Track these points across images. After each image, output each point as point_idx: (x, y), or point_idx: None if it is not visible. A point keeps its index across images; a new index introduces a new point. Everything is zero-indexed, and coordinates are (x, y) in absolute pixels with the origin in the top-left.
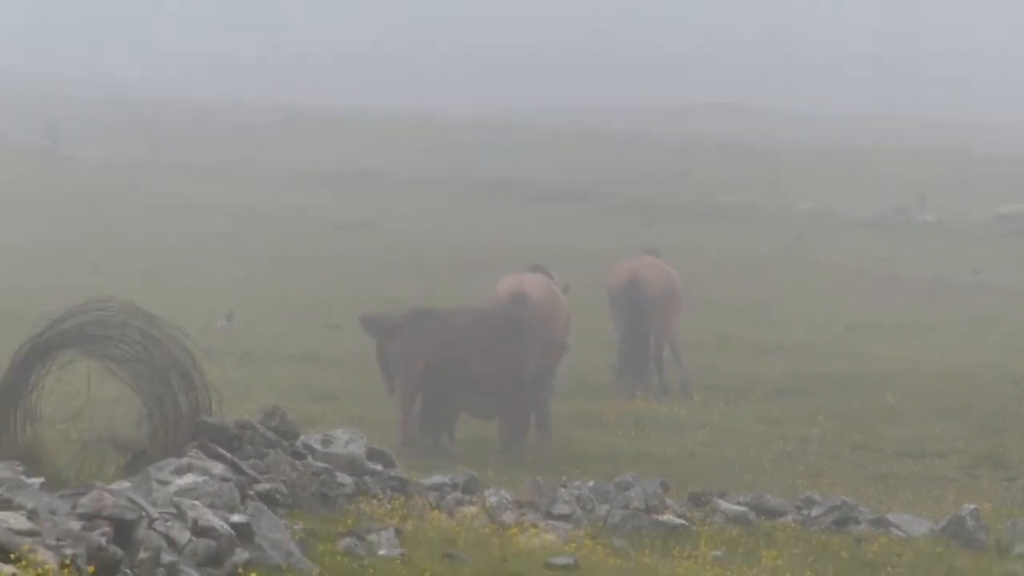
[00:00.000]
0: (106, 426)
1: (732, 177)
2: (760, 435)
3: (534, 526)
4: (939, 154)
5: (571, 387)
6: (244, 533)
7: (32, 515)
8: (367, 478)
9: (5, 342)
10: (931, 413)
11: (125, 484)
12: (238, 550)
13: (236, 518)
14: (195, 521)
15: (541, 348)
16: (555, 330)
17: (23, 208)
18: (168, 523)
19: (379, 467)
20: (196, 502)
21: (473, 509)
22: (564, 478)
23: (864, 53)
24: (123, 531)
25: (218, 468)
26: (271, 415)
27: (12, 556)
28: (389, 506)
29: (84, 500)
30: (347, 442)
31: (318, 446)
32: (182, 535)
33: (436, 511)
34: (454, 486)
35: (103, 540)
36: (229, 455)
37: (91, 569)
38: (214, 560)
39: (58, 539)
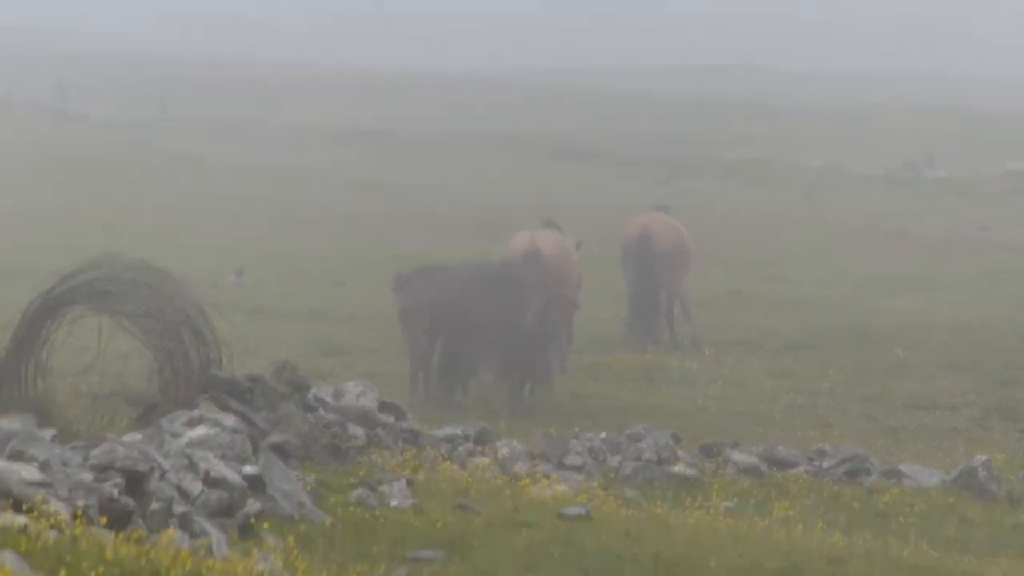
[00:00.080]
0: (117, 380)
1: (742, 135)
2: (771, 389)
3: (546, 477)
4: (948, 110)
5: (583, 342)
6: (256, 484)
7: (44, 467)
8: (379, 430)
9: (16, 298)
10: (941, 367)
11: (137, 436)
12: (250, 501)
13: (248, 469)
14: (207, 472)
15: (543, 303)
16: (567, 286)
17: (33, 167)
18: (180, 474)
19: (391, 419)
20: (208, 453)
21: (485, 460)
22: (576, 430)
23: (871, 9)
24: (135, 482)
25: (230, 420)
26: (282, 369)
27: (24, 507)
28: (401, 458)
29: (96, 452)
30: (359, 395)
31: (329, 399)
32: (194, 486)
33: (448, 462)
34: (466, 438)
35: (115, 491)
36: (240, 407)
37: (103, 520)
38: (226, 511)
39: (70, 490)
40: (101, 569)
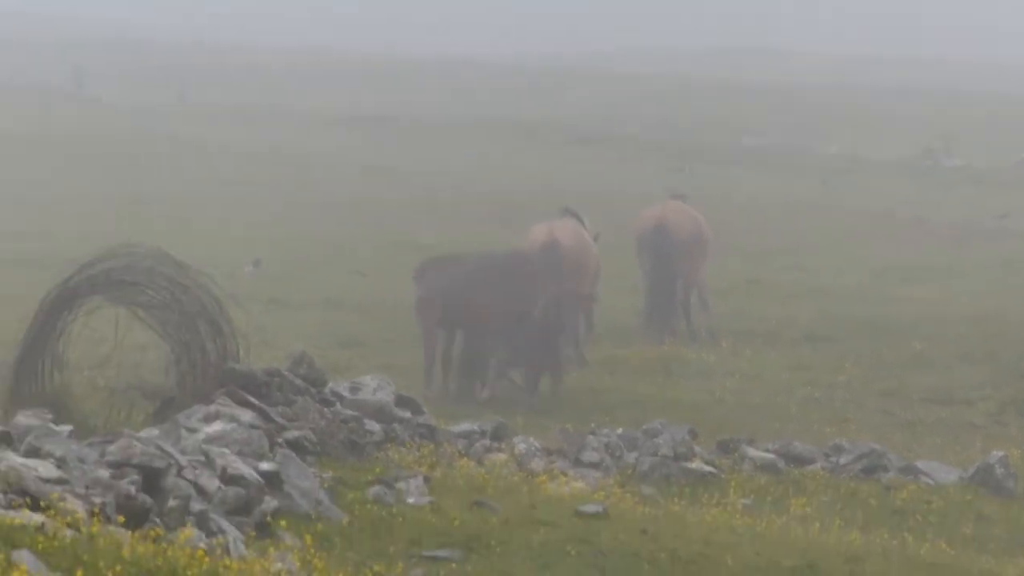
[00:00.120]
0: (134, 373)
1: (759, 121)
2: (788, 381)
3: (563, 474)
4: (966, 97)
5: (599, 333)
6: (273, 481)
7: (61, 463)
8: (396, 425)
9: (32, 287)
10: (958, 359)
11: (153, 432)
12: (267, 498)
13: (265, 466)
14: (224, 469)
15: (553, 296)
16: (585, 277)
17: (48, 151)
18: (197, 471)
19: (408, 414)
20: (225, 450)
21: (502, 457)
22: (593, 425)
23: None
24: (152, 479)
25: (246, 415)
26: (299, 362)
27: (41, 504)
28: (418, 453)
29: (112, 448)
30: (375, 389)
31: (346, 393)
32: (211, 483)
33: (465, 458)
34: (483, 433)
35: (132, 488)
36: (257, 402)
37: (120, 518)
38: (243, 508)
39: (87, 487)
40: (118, 568)
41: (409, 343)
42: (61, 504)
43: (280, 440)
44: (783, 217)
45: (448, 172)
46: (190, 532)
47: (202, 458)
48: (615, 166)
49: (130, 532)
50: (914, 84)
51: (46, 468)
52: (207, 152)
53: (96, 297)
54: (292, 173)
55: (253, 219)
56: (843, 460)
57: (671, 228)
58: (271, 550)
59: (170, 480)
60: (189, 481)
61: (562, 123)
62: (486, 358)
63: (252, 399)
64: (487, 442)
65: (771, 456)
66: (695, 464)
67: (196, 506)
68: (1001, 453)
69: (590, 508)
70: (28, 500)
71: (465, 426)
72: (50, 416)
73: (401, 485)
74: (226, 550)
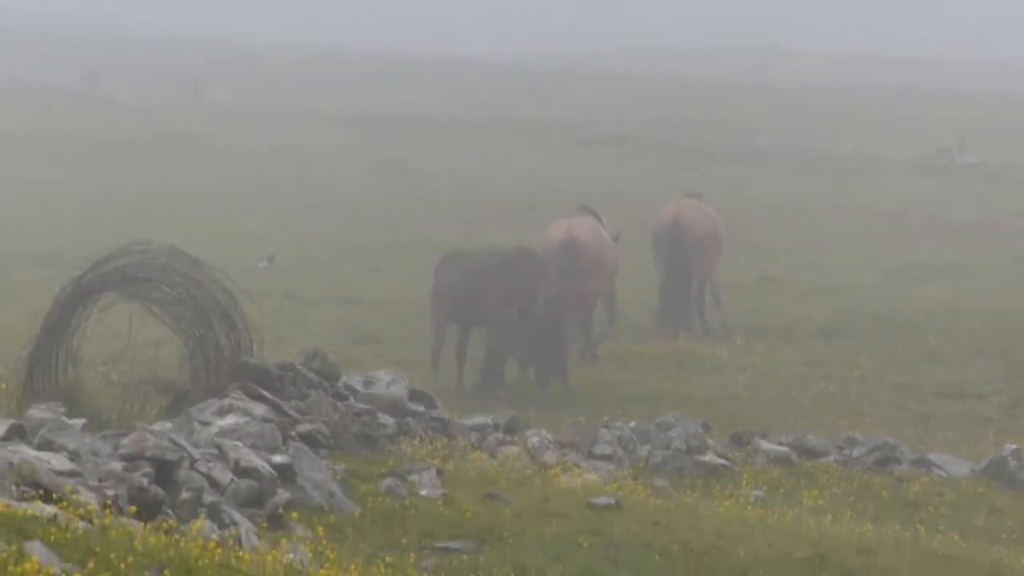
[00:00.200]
0: (147, 368)
1: (768, 121)
2: (801, 376)
3: (576, 466)
4: (980, 96)
5: (614, 327)
6: (286, 474)
7: (74, 456)
8: (409, 419)
9: (45, 284)
10: (971, 355)
11: (167, 425)
12: (280, 491)
13: (278, 459)
14: (237, 462)
15: (563, 292)
16: (603, 273)
17: (63, 151)
18: (210, 464)
19: (421, 408)
20: (238, 443)
21: (515, 449)
22: (605, 419)
23: None
24: (165, 472)
25: (260, 409)
26: (312, 357)
27: (55, 497)
28: (431, 447)
29: (126, 441)
30: (389, 383)
31: (360, 387)
32: (224, 476)
33: (478, 451)
34: (496, 427)
35: (145, 481)
36: (271, 396)
37: (133, 510)
38: (256, 501)
39: (100, 480)
40: (130, 560)
41: (422, 339)
42: (74, 496)
43: (293, 433)
44: (797, 216)
45: (453, 172)
46: (202, 524)
47: (215, 451)
48: (619, 166)
49: (142, 524)
50: (921, 84)
51: (59, 461)
52: (217, 150)
53: (110, 293)
54: (301, 172)
55: (265, 216)
56: (856, 453)
57: (686, 225)
58: (283, 542)
59: (183, 472)
60: (202, 474)
61: (565, 123)
62: (505, 358)
63: (265, 393)
64: (500, 435)
65: (784, 449)
66: (708, 457)
67: (209, 498)
68: (1014, 446)
69: (602, 500)
70: (41, 492)
71: (478, 419)
72: (63, 410)
73: (414, 478)
74: (238, 542)
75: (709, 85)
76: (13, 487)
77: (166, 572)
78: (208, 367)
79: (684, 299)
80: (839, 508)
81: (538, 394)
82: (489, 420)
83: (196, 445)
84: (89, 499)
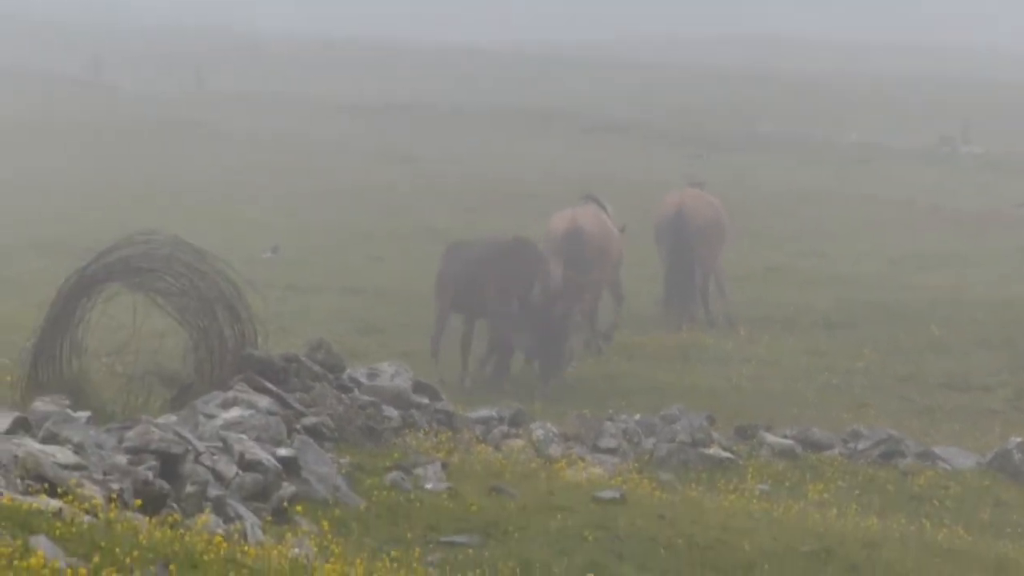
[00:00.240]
0: (152, 359)
1: (776, 108)
2: (806, 367)
3: (581, 459)
4: (984, 85)
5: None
6: (291, 467)
7: (79, 449)
8: (413, 411)
9: (48, 274)
10: (975, 345)
11: (171, 418)
12: (284, 484)
13: (283, 452)
14: (242, 455)
15: (554, 284)
16: (608, 262)
17: (66, 140)
18: (215, 457)
19: (425, 400)
20: (242, 436)
21: (520, 442)
22: (610, 411)
23: None
24: (169, 465)
25: (264, 401)
26: (317, 348)
27: (59, 490)
28: (436, 439)
29: (130, 434)
30: (393, 375)
31: (364, 379)
32: (229, 469)
33: (483, 444)
34: (501, 419)
35: (149, 474)
36: (275, 388)
37: (138, 503)
38: (261, 494)
39: (105, 473)
40: (135, 554)
41: (426, 329)
42: (79, 490)
43: (298, 426)
44: (801, 205)
45: (457, 160)
46: (207, 518)
47: (220, 444)
48: (622, 154)
49: (147, 518)
50: (925, 73)
51: (64, 454)
52: (220, 139)
53: (114, 284)
54: (304, 160)
55: (268, 204)
56: (861, 446)
57: (689, 214)
58: (288, 535)
59: (188, 466)
60: (207, 467)
61: (568, 111)
62: (512, 351)
63: (270, 385)
64: (505, 428)
65: (789, 442)
66: (713, 450)
67: (213, 492)
68: (1019, 439)
69: (607, 494)
70: (46, 486)
71: (483, 412)
72: (68, 402)
73: (419, 471)
74: (243, 536)
75: (713, 73)
76: (18, 481)
77: (171, 566)
78: (212, 358)
79: (688, 289)
80: (844, 502)
81: (541, 387)
82: (494, 413)
83: (201, 438)
84: (94, 493)
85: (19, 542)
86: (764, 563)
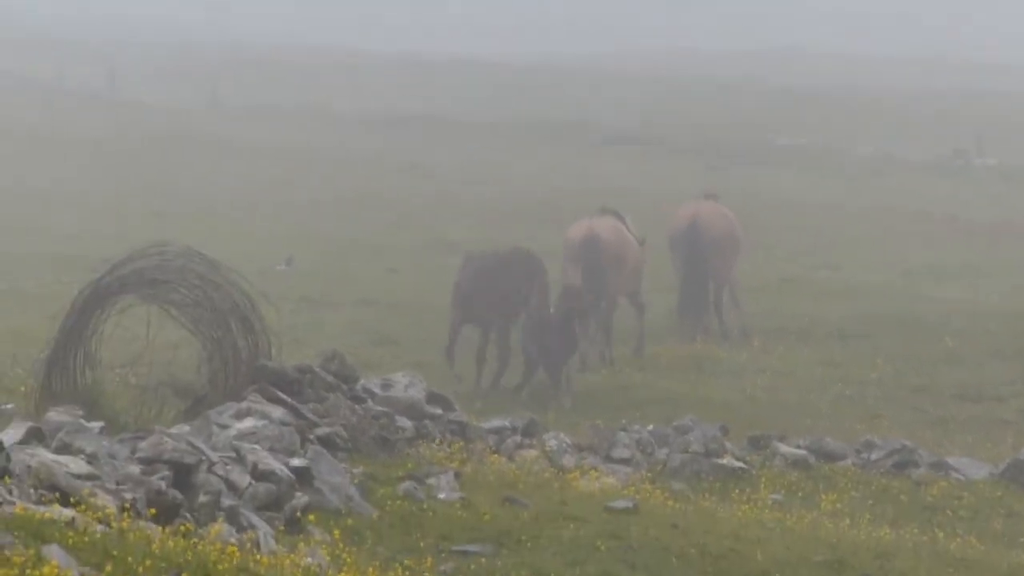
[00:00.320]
0: (165, 371)
1: (790, 121)
2: (820, 378)
3: (594, 470)
4: (996, 97)
5: (629, 332)
6: (304, 477)
7: (92, 459)
8: (427, 422)
9: (62, 286)
10: (989, 356)
11: (185, 428)
12: (298, 494)
13: (296, 462)
14: (255, 465)
15: (544, 291)
16: (624, 270)
17: (81, 152)
18: (228, 467)
19: (439, 411)
20: (256, 446)
21: (533, 453)
22: (624, 422)
23: None
24: (183, 475)
25: (278, 412)
26: (330, 359)
27: (72, 500)
28: (449, 450)
29: (144, 444)
30: (407, 386)
31: (378, 390)
32: (242, 479)
33: (496, 455)
34: (514, 430)
35: (163, 484)
36: (289, 399)
37: (151, 513)
38: (274, 504)
39: (118, 483)
40: (148, 563)
41: (440, 340)
42: (92, 500)
43: (311, 436)
44: (815, 217)
45: (470, 171)
46: (220, 527)
47: (233, 454)
48: (638, 166)
49: (160, 527)
50: (939, 85)
51: (77, 464)
52: (235, 151)
53: (128, 296)
54: (317, 172)
55: (282, 217)
56: (874, 456)
57: (704, 226)
58: (301, 545)
59: (201, 476)
60: (220, 477)
61: (586, 124)
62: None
63: (283, 396)
64: (518, 438)
65: (802, 452)
66: (726, 460)
67: (227, 502)
68: None
69: (620, 504)
70: (59, 496)
71: (496, 422)
72: (81, 413)
73: (432, 481)
74: (256, 545)
75: (728, 85)
76: (31, 490)
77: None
78: (226, 369)
79: (702, 301)
80: (857, 512)
81: (557, 396)
82: (507, 423)
83: (214, 448)
84: (107, 502)
85: (32, 551)
86: (776, 573)
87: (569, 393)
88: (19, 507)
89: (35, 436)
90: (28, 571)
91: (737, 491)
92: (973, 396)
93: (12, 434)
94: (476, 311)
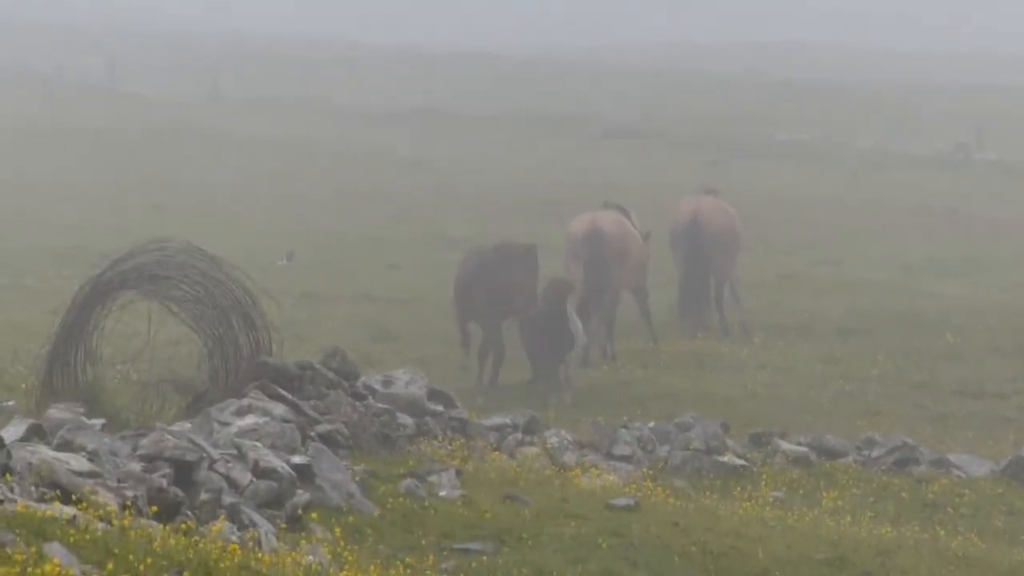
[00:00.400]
0: (166, 367)
1: (791, 115)
2: (820, 375)
3: (595, 467)
4: (996, 91)
5: (631, 327)
6: (305, 474)
7: (93, 456)
8: (428, 419)
9: (63, 281)
10: (990, 352)
11: (186, 425)
12: (299, 491)
13: (297, 459)
14: (256, 462)
15: (534, 287)
16: (627, 264)
17: (81, 144)
18: (229, 464)
19: (440, 408)
20: (257, 443)
21: (534, 450)
22: (625, 419)
23: None
24: (184, 472)
25: (279, 409)
26: (332, 356)
27: (73, 497)
28: (450, 447)
29: (145, 441)
30: (408, 383)
31: (379, 387)
32: (243, 476)
33: (497, 452)
34: (515, 427)
35: (164, 481)
36: (290, 396)
37: (152, 510)
38: (275, 501)
39: (119, 480)
40: (149, 561)
41: (441, 336)
42: (93, 497)
43: (312, 434)
44: (816, 211)
45: (470, 166)
46: (222, 525)
47: (234, 451)
48: (638, 160)
49: (162, 525)
50: (939, 80)
51: (78, 461)
52: (234, 144)
53: (129, 292)
54: (318, 166)
55: (282, 212)
56: (875, 453)
57: (704, 222)
58: (302, 543)
59: (202, 473)
60: (221, 474)
61: (586, 117)
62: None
63: (284, 393)
64: (519, 436)
65: (803, 449)
66: (727, 457)
67: (228, 499)
68: None
69: (621, 501)
70: (60, 493)
71: (497, 420)
72: (82, 410)
73: (433, 478)
74: (258, 543)
75: (728, 79)
76: (32, 488)
77: (185, 574)
78: (227, 366)
79: (703, 297)
80: (858, 509)
81: (556, 393)
82: (508, 420)
83: (215, 445)
84: (108, 500)
85: (33, 549)
86: (778, 571)
87: (570, 389)
88: (20, 505)
89: (36, 433)
90: (29, 569)
91: (738, 488)
92: (974, 392)
93: (13, 431)
94: (473, 307)
